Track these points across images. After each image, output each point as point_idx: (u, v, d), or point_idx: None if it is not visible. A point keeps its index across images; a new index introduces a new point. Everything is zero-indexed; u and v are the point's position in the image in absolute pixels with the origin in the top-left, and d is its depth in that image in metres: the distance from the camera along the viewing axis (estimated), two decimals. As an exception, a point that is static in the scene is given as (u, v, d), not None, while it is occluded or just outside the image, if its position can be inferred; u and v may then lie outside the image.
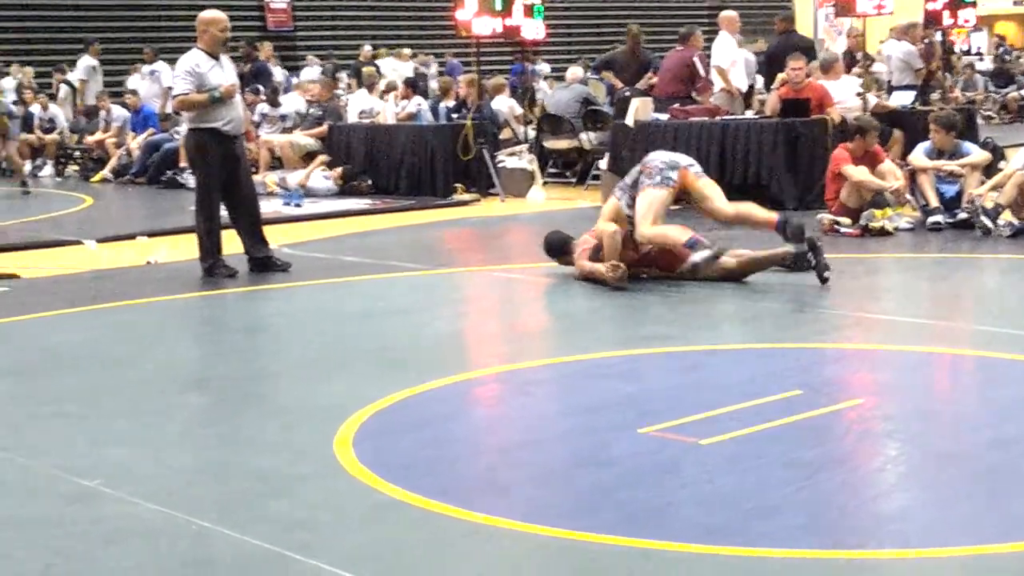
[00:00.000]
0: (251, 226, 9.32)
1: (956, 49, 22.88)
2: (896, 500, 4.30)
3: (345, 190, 14.52)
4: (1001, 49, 29.76)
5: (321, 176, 14.72)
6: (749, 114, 12.96)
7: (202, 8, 9.54)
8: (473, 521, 4.13)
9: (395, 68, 22.80)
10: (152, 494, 4.43)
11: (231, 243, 9.30)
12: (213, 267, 9.08)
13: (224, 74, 9.14)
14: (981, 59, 28.93)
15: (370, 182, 14.65)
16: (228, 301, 8.55)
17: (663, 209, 8.34)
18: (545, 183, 14.50)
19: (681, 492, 4.33)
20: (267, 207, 13.53)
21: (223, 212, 9.27)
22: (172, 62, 21.93)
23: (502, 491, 4.46)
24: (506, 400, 5.80)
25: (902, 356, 6.39)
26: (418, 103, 15.70)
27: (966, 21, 14.76)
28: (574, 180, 15.25)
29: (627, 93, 13.93)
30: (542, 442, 4.99)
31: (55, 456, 4.95)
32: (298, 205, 13.58)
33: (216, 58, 9.11)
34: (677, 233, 8.19)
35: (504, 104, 15.85)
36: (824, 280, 7.91)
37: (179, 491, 4.50)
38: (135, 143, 17.37)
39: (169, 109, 20.01)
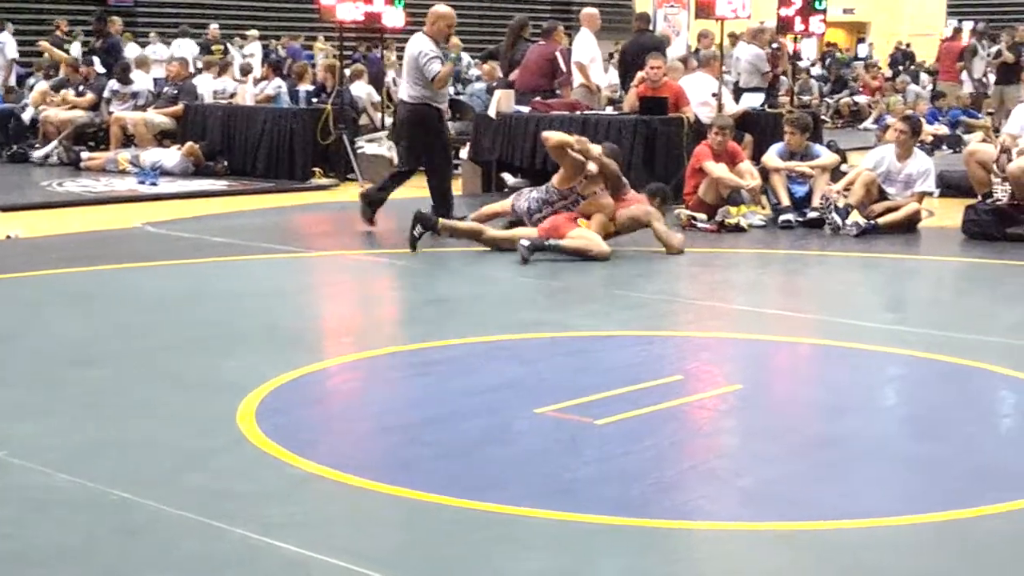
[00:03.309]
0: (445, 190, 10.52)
1: (803, 56, 23.75)
2: (784, 477, 4.56)
3: (201, 170, 14.40)
4: (828, 60, 30.90)
5: (177, 155, 14.56)
6: (609, 110, 13.27)
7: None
8: (388, 493, 4.28)
9: (242, 50, 22.67)
10: (63, 466, 4.46)
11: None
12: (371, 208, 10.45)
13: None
14: (814, 65, 30.03)
15: (226, 163, 14.57)
16: (102, 277, 8.47)
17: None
18: (403, 170, 14.59)
19: (586, 468, 4.55)
20: (122, 185, 13.46)
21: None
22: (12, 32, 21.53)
23: (411, 466, 4.61)
24: (402, 380, 5.95)
25: (770, 345, 6.74)
26: (278, 85, 15.67)
27: (817, 28, 15.33)
28: (431, 168, 15.39)
29: (494, 84, 14.14)
30: (443, 420, 5.15)
31: (-44, 427, 4.94)
32: (154, 184, 13.42)
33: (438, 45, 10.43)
34: None
35: (362, 90, 15.91)
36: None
37: (90, 463, 4.53)
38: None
39: (12, 81, 19.62)
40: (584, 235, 9.07)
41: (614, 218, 9.35)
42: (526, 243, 8.83)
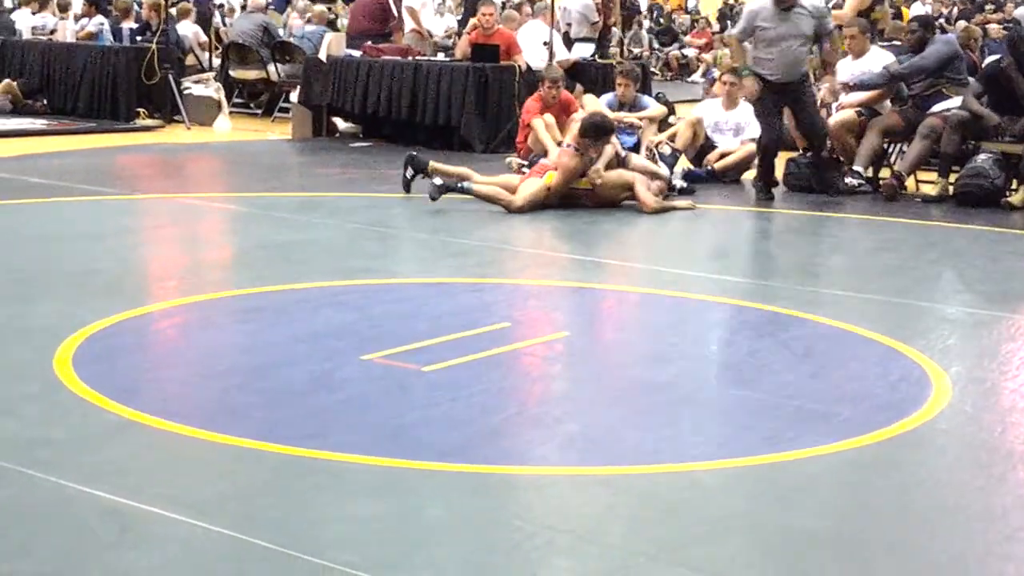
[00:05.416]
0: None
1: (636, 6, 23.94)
2: (607, 422, 4.63)
3: (19, 109, 13.90)
4: (655, 12, 31.27)
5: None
6: (440, 56, 13.21)
7: None
8: (212, 441, 4.21)
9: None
10: None
11: None
12: (764, 187, 10.05)
13: (786, 26, 9.66)
14: (645, 17, 30.31)
15: (46, 102, 14.11)
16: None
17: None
18: (231, 113, 14.33)
19: (412, 415, 4.54)
20: (-66, 123, 12.91)
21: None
22: None
23: (236, 413, 4.54)
24: (226, 325, 5.85)
25: (596, 292, 6.82)
26: (100, 22, 15.18)
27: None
28: (259, 111, 15.14)
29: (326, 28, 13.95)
30: (269, 367, 5.09)
31: None
32: (-31, 122, 12.93)
33: (788, 9, 9.59)
34: None
35: (189, 30, 15.52)
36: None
37: None
38: None
39: None
40: (502, 183, 9.20)
41: (578, 177, 9.34)
42: (437, 182, 8.88)
